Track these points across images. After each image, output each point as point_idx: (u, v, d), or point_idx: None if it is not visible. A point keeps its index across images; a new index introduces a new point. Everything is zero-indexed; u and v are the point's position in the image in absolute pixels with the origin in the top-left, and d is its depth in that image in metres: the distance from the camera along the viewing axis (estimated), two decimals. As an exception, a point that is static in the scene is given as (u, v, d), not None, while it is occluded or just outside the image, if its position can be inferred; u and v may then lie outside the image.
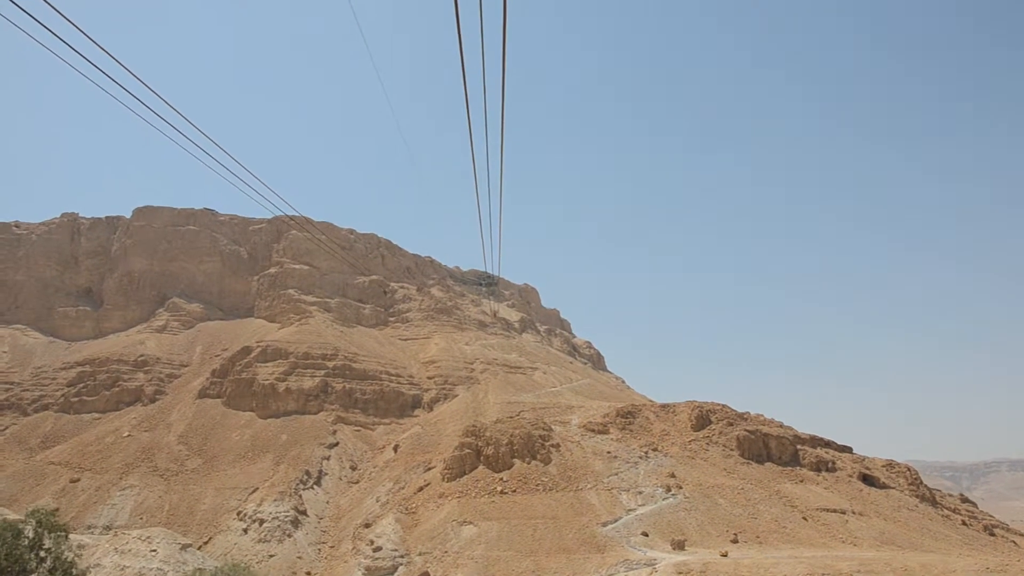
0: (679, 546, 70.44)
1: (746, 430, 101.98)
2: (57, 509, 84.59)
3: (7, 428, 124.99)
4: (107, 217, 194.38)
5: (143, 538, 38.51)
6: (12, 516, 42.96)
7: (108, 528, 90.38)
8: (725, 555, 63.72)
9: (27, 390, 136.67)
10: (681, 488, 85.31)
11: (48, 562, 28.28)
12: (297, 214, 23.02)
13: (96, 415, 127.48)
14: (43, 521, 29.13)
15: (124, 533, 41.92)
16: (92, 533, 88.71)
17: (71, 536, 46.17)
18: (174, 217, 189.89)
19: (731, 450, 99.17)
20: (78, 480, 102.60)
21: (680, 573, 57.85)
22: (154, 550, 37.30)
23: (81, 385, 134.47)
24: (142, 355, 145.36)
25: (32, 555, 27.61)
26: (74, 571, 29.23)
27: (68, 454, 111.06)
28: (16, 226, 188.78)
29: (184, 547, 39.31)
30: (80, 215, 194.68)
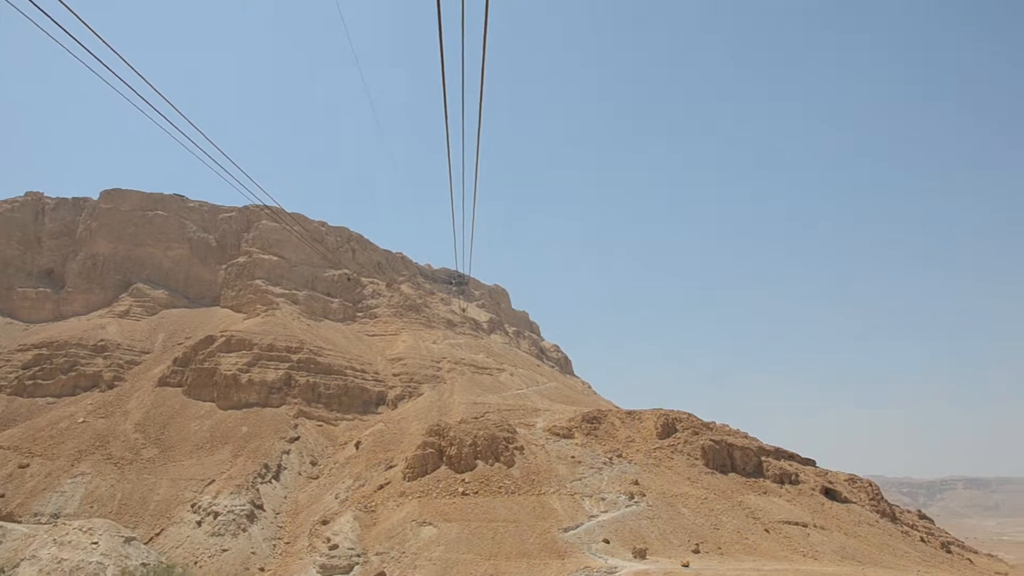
0: (640, 554, 69.78)
1: (711, 440, 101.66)
2: (3, 495, 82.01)
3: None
4: (73, 198, 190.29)
5: (84, 529, 36.83)
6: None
7: (55, 516, 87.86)
8: (686, 565, 63.18)
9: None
10: (644, 496, 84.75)
11: None
12: (272, 203, 21.94)
13: (51, 399, 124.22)
14: None
15: (64, 523, 40.30)
16: (39, 521, 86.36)
17: (11, 524, 44.25)
18: (142, 201, 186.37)
19: (696, 459, 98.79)
20: (27, 465, 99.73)
21: None
22: (95, 542, 35.67)
23: (37, 368, 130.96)
24: (102, 340, 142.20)
25: None
26: None
27: (19, 439, 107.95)
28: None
29: (127, 540, 37.73)
30: (45, 195, 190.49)
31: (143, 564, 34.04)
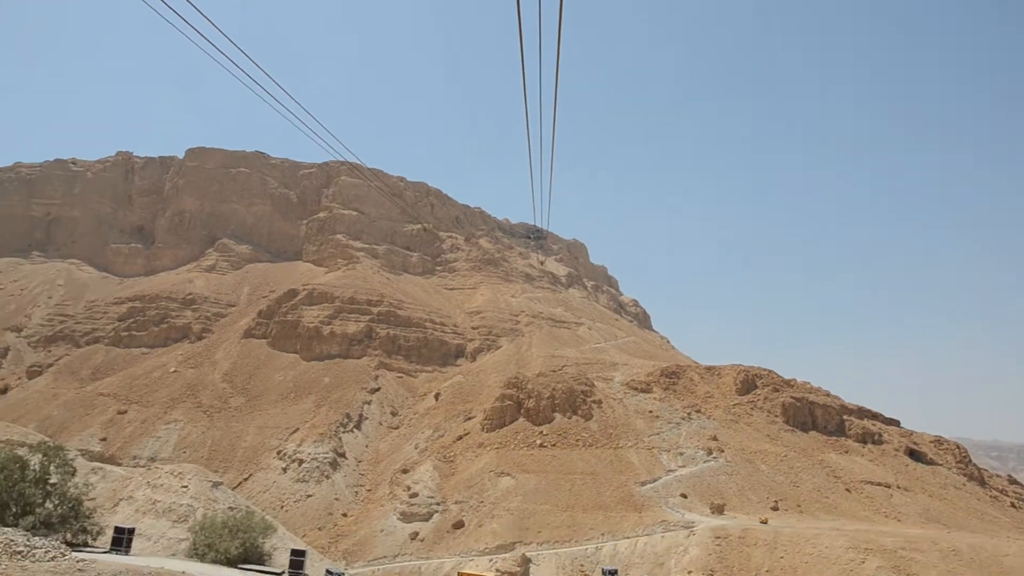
0: (718, 510, 69.11)
1: (792, 397, 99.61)
2: (104, 439, 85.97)
3: (61, 359, 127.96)
4: (160, 157, 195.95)
5: (175, 473, 38.09)
6: (47, 443, 42.86)
7: (152, 460, 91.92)
8: (765, 522, 62.27)
9: (80, 323, 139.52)
10: (723, 452, 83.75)
11: (54, 498, 27.31)
12: (352, 159, 21.86)
13: (145, 350, 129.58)
14: (49, 454, 28.14)
15: (157, 467, 41.69)
16: (137, 464, 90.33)
17: (110, 466, 46.15)
18: (226, 159, 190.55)
19: (775, 416, 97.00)
20: (125, 412, 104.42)
21: (718, 538, 56.61)
22: (185, 486, 36.84)
23: (131, 320, 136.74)
24: (190, 293, 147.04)
25: (37, 490, 26.61)
26: (80, 508, 28.23)
27: (117, 386, 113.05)
28: (73, 163, 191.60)
29: (215, 484, 38.83)
30: (134, 154, 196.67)
31: (230, 508, 34.97)
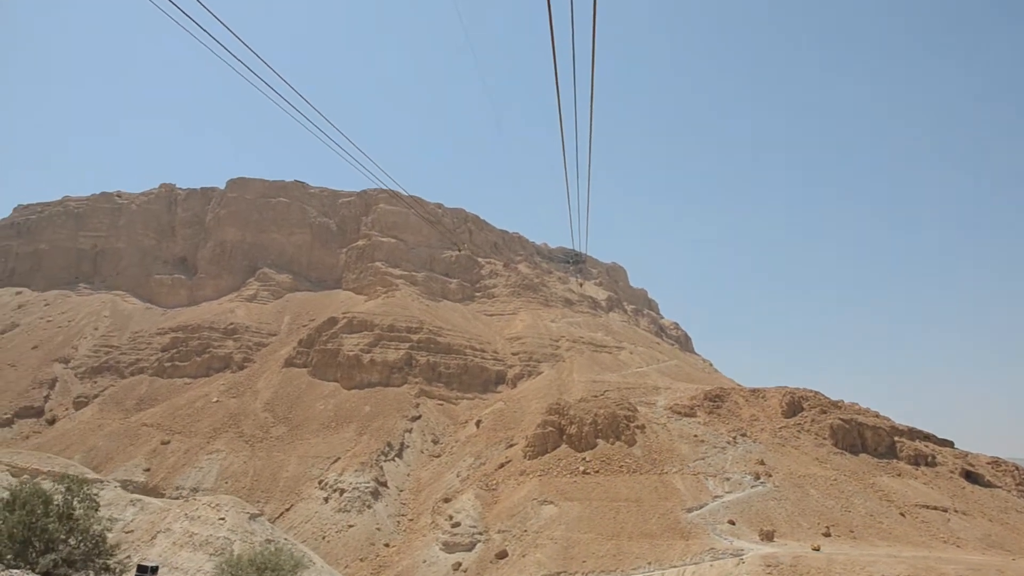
0: (768, 537, 66.97)
1: (840, 419, 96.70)
2: (148, 469, 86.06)
3: (106, 389, 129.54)
4: (202, 188, 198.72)
5: (212, 505, 37.56)
6: (91, 476, 42.58)
7: (195, 490, 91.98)
8: (817, 549, 60.03)
9: (125, 353, 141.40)
10: (771, 476, 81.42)
11: (77, 534, 26.54)
12: (395, 187, 21.76)
13: (187, 380, 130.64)
14: (72, 488, 27.42)
15: (195, 499, 41.28)
16: (180, 494, 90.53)
17: (148, 498, 45.74)
18: (265, 189, 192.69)
19: (824, 439, 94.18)
20: (168, 442, 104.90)
21: (769, 566, 54.52)
22: (222, 518, 36.26)
23: (174, 350, 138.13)
24: (232, 323, 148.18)
25: (61, 526, 25.84)
26: (104, 545, 27.42)
27: (160, 417, 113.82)
28: (118, 196, 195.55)
29: (252, 516, 38.21)
30: (177, 186, 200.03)
31: (267, 540, 34.26)
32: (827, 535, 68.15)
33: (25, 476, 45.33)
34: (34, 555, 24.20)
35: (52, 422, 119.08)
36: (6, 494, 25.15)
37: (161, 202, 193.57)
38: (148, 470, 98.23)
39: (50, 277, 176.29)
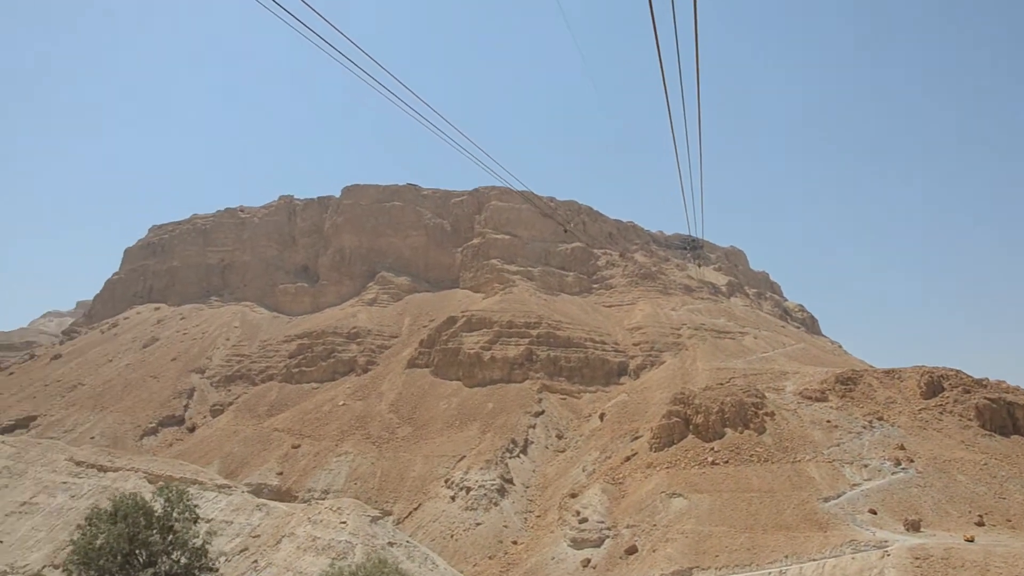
0: (913, 527, 61.60)
1: (986, 398, 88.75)
2: (281, 472, 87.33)
3: (239, 397, 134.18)
4: (319, 197, 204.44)
5: (334, 509, 36.89)
6: (220, 482, 42.66)
7: (326, 492, 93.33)
8: (971, 540, 54.48)
9: (255, 362, 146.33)
10: (912, 461, 75.36)
11: (178, 547, 25.68)
12: (520, 186, 21.77)
13: (314, 385, 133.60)
14: (172, 500, 26.58)
15: (317, 503, 40.76)
16: (312, 496, 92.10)
17: (274, 503, 45.56)
18: (379, 194, 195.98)
19: (969, 420, 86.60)
20: (299, 446, 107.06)
21: (918, 559, 49.71)
22: (344, 522, 35.47)
23: (301, 357, 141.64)
24: (355, 327, 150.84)
25: (160, 538, 25.01)
26: (204, 559, 26.49)
27: (290, 421, 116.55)
28: (241, 211, 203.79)
29: (374, 519, 37.28)
30: (295, 197, 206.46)
31: (389, 543, 33.18)
32: (980, 524, 62.20)
33: (160, 483, 46.34)
34: (137, 568, 23.50)
35: (192, 430, 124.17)
36: (109, 505, 24.63)
37: (281, 213, 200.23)
38: (280, 473, 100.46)
39: (184, 292, 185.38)
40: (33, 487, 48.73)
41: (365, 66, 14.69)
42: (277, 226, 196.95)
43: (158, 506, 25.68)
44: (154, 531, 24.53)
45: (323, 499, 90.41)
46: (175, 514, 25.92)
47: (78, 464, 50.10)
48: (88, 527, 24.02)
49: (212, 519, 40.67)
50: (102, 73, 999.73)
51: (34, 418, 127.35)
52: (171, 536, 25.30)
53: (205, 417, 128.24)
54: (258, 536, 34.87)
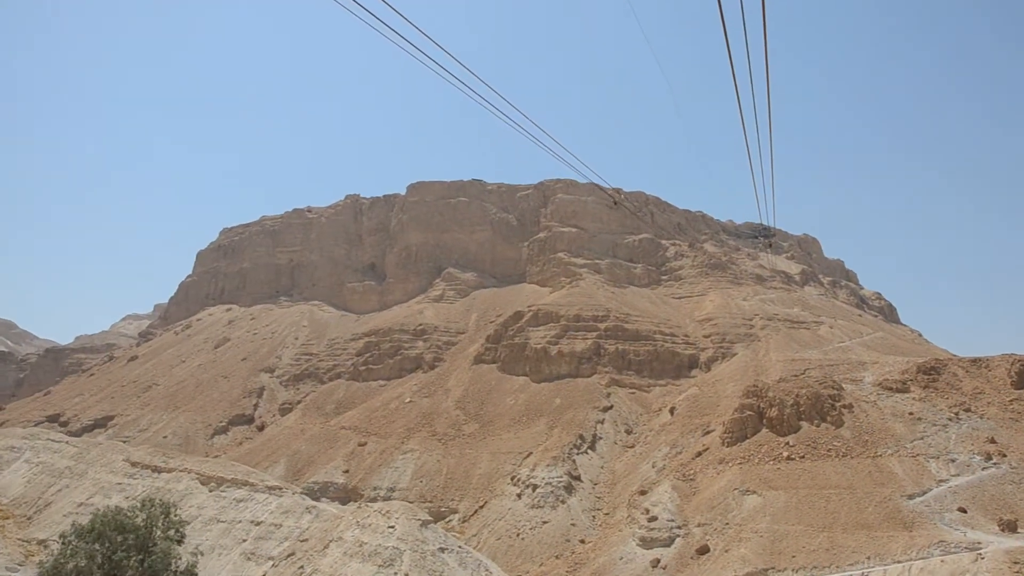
0: (1010, 528, 56.98)
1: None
2: (347, 471, 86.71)
3: (308, 395, 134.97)
4: (384, 195, 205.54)
5: (383, 512, 35.16)
6: (271, 483, 41.44)
7: (391, 490, 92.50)
8: (1078, 542, 50.09)
9: (323, 360, 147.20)
10: (1005, 456, 70.17)
11: (154, 568, 23.39)
12: (599, 180, 23.80)
13: (382, 382, 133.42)
14: (153, 516, 24.39)
15: (367, 506, 39.11)
16: (377, 495, 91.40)
17: (323, 505, 44.09)
18: (444, 190, 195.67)
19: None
20: (365, 444, 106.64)
21: (1016, 563, 45.51)
22: (392, 526, 33.66)
23: (368, 354, 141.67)
24: (421, 324, 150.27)
25: (137, 563, 22.75)
26: None
27: (357, 419, 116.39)
28: (308, 211, 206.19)
29: (424, 523, 35.35)
30: (361, 195, 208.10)
31: (440, 549, 31.16)
32: (1089, 525, 57.48)
33: (212, 484, 45.68)
34: None
35: (261, 428, 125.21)
36: (87, 521, 22.84)
37: (348, 212, 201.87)
38: (347, 472, 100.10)
39: (254, 293, 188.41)
40: (91, 488, 48.61)
41: (435, 56, 14.72)
42: (344, 225, 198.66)
43: (140, 520, 23.69)
44: (131, 554, 22.42)
45: (389, 497, 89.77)
46: (157, 532, 23.83)
47: (133, 465, 49.80)
48: (62, 546, 22.15)
49: (261, 522, 39.49)
50: (171, 77, 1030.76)
51: (111, 418, 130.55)
52: (149, 559, 23.09)
53: (274, 416, 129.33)
54: (306, 540, 33.45)
